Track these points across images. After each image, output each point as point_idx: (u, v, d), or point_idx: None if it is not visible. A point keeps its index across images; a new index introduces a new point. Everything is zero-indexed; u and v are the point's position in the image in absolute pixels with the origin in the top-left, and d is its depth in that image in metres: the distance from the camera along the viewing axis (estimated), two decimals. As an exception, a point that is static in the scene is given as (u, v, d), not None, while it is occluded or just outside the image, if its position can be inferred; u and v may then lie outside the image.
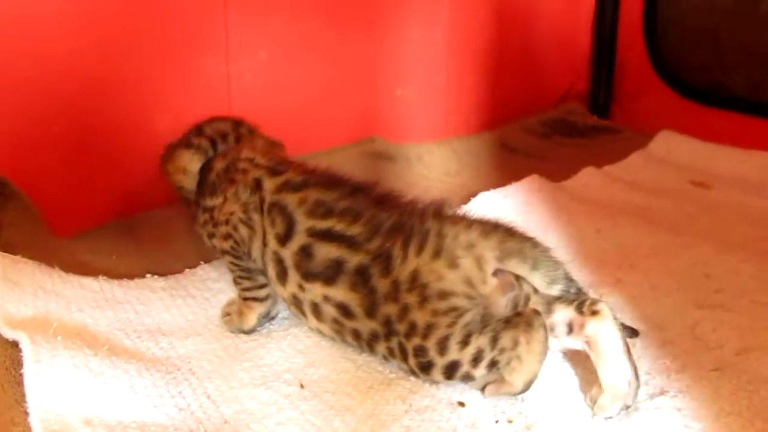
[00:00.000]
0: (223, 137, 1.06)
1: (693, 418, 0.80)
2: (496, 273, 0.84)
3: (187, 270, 1.12)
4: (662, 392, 0.85)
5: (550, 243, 1.20)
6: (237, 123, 1.08)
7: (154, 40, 1.23)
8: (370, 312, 0.86)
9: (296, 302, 0.92)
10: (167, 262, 1.15)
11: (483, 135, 1.66)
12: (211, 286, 1.08)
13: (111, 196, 1.25)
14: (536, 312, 0.81)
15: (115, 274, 1.09)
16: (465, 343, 0.80)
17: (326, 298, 0.88)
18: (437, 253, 0.84)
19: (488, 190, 1.40)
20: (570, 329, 0.83)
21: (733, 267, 1.14)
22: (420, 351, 0.82)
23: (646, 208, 1.39)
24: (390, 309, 0.84)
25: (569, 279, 0.89)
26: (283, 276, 0.91)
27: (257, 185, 0.95)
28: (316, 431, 0.77)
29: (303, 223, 0.90)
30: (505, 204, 1.35)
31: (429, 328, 0.81)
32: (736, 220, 1.36)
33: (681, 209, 1.39)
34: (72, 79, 1.17)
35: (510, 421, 0.80)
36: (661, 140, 1.73)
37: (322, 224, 0.89)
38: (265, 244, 0.93)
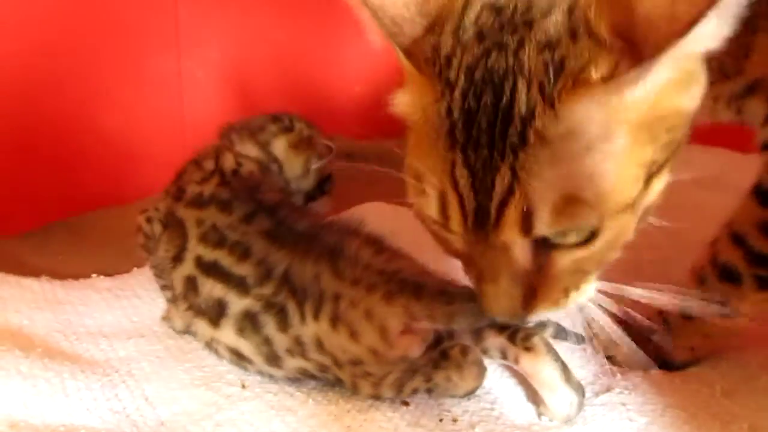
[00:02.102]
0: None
1: (637, 413, 0.80)
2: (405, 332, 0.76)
3: (135, 269, 1.10)
4: (608, 389, 0.84)
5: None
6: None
7: (100, 36, 1.21)
8: (273, 362, 0.80)
9: (195, 335, 0.87)
10: (115, 262, 1.12)
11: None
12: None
13: (58, 195, 1.23)
14: (464, 350, 0.78)
15: (60, 274, 1.06)
16: (399, 391, 0.77)
17: (215, 340, 0.83)
18: (335, 322, 0.75)
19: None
20: (504, 356, 0.80)
21: (687, 265, 1.14)
22: (355, 393, 0.79)
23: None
24: (302, 363, 0.79)
25: (494, 323, 0.78)
26: (175, 300, 0.87)
27: (179, 191, 0.90)
28: (253, 430, 0.76)
29: (194, 249, 0.82)
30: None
31: (355, 386, 0.78)
32: (700, 217, 1.36)
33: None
34: (14, 78, 1.14)
35: (455, 420, 0.79)
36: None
37: (211, 255, 0.80)
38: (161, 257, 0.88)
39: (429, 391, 0.79)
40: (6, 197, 1.16)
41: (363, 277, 0.76)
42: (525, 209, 0.57)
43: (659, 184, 0.62)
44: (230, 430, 0.76)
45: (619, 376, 0.87)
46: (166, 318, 0.94)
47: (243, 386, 0.83)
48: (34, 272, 1.05)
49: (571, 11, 0.56)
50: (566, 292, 0.66)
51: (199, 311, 0.83)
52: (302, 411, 0.79)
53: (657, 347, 0.90)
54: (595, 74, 0.55)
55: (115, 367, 0.86)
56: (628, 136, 0.57)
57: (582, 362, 0.90)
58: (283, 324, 0.77)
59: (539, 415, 0.80)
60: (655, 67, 0.54)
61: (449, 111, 0.58)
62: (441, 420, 0.78)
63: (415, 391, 0.78)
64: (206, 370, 0.86)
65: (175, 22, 1.28)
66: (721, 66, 0.71)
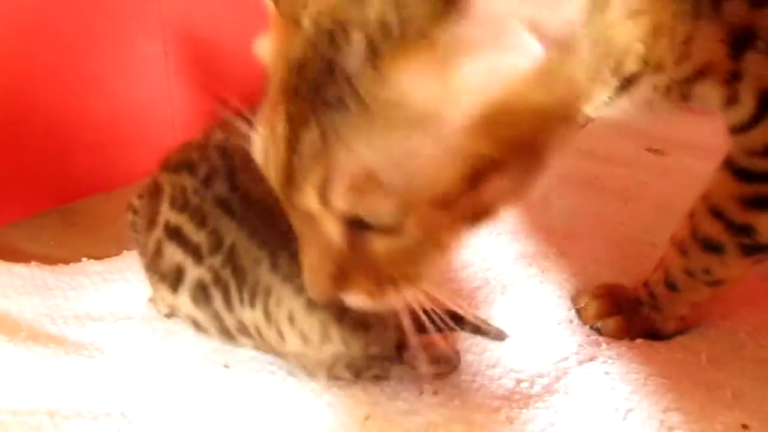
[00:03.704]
0: None
1: (621, 382, 0.80)
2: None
3: (125, 252, 1.10)
4: (592, 359, 0.84)
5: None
6: None
7: (85, 23, 1.20)
8: (227, 337, 0.79)
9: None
10: (107, 248, 1.13)
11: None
12: (149, 269, 1.07)
13: (48, 183, 1.23)
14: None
15: (51, 260, 1.07)
16: (356, 375, 0.76)
17: (174, 307, 0.83)
18: (267, 316, 0.73)
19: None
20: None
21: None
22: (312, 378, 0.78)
23: (598, 176, 1.38)
24: (252, 343, 0.79)
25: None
26: (147, 270, 0.86)
27: (167, 161, 0.89)
28: (235, 410, 0.76)
29: (165, 213, 0.80)
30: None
31: (310, 372, 0.77)
32: (688, 186, 1.34)
33: (633, 176, 1.38)
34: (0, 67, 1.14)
35: (435, 393, 0.79)
36: (620, 108, 1.70)
37: (176, 220, 0.78)
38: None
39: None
40: (-3, 186, 1.17)
41: (295, 277, 0.71)
42: (325, 177, 0.53)
43: (496, 187, 0.55)
44: (212, 409, 0.77)
45: (604, 345, 0.87)
46: (152, 300, 0.94)
47: (226, 366, 0.83)
48: (26, 259, 1.05)
49: None
50: (382, 286, 0.60)
51: (162, 276, 0.82)
52: (283, 388, 0.79)
53: (645, 319, 0.90)
54: (435, 42, 0.49)
55: (101, 348, 0.86)
56: (458, 121, 0.51)
57: (567, 334, 0.90)
58: (228, 303, 0.76)
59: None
60: (475, 29, 0.48)
61: (288, 56, 0.54)
62: (421, 393, 0.79)
63: (378, 377, 0.78)
64: (191, 351, 0.86)
65: (159, 6, 1.27)
66: (657, 55, 0.68)
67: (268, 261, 0.73)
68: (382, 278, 0.60)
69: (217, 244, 0.76)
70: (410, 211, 0.54)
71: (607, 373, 0.81)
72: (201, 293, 0.78)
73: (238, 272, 0.74)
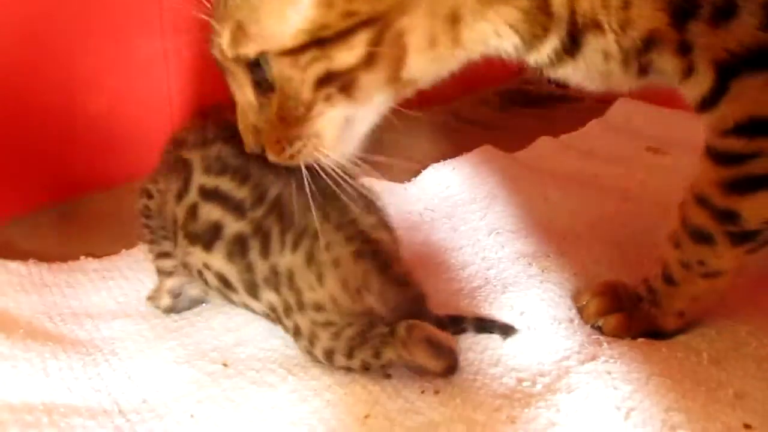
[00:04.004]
0: None
1: (622, 381, 0.79)
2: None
3: (123, 251, 1.10)
4: (593, 358, 0.83)
5: (496, 212, 1.21)
6: None
7: (85, 20, 1.20)
8: (252, 292, 0.81)
9: (187, 266, 0.87)
10: (105, 245, 1.13)
11: (436, 108, 1.63)
12: (147, 267, 1.05)
13: (47, 181, 1.22)
14: (410, 328, 0.76)
15: (49, 258, 1.06)
16: (350, 356, 0.78)
17: (206, 266, 0.84)
18: (309, 260, 0.77)
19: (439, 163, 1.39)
20: None
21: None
22: (308, 351, 0.81)
23: (598, 175, 1.38)
24: (273, 298, 0.80)
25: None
26: (175, 238, 0.87)
27: (179, 141, 0.90)
28: (234, 408, 0.76)
29: (197, 179, 0.83)
30: (453, 175, 1.33)
31: (313, 336, 0.79)
32: (687, 185, 1.34)
33: (633, 176, 1.37)
34: (-1, 65, 1.13)
35: (437, 392, 0.78)
36: (619, 108, 1.70)
37: (213, 182, 0.82)
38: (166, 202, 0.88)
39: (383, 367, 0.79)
40: (-5, 184, 1.17)
41: (345, 228, 0.77)
42: (221, 31, 0.71)
43: (342, 55, 0.69)
44: (211, 407, 0.76)
45: (605, 345, 0.87)
46: (151, 298, 0.94)
47: (225, 364, 0.83)
48: (24, 257, 1.05)
49: None
50: (281, 144, 0.74)
51: (194, 238, 0.83)
52: (283, 386, 0.79)
53: (646, 315, 0.89)
54: None
55: (99, 346, 0.86)
56: None
57: (568, 333, 0.90)
58: (265, 250, 0.79)
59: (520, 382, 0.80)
60: None
61: None
62: (423, 392, 0.78)
63: (366, 367, 0.78)
64: (190, 348, 0.86)
65: (159, 5, 1.26)
66: (586, 8, 0.73)
67: (318, 210, 0.76)
68: (280, 135, 0.74)
69: (260, 197, 0.79)
70: (270, 60, 0.70)
71: (608, 373, 0.80)
72: (238, 246, 0.80)
73: (285, 218, 0.78)
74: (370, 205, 0.83)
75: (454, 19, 0.74)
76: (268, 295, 0.81)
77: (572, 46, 0.76)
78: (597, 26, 0.74)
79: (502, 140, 1.49)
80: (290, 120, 0.73)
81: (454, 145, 1.50)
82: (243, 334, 0.89)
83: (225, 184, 0.81)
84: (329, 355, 0.79)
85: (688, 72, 0.75)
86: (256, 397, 0.77)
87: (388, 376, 0.80)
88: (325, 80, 0.71)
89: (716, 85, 0.74)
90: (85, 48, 1.22)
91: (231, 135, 0.82)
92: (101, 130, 1.25)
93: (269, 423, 0.74)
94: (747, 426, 0.73)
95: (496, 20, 0.76)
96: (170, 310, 0.92)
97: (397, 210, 1.23)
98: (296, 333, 0.81)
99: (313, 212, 0.76)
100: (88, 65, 1.22)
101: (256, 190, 0.80)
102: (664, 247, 0.87)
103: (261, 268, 0.80)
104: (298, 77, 0.70)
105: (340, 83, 0.71)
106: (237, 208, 0.80)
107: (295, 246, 0.77)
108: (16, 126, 1.17)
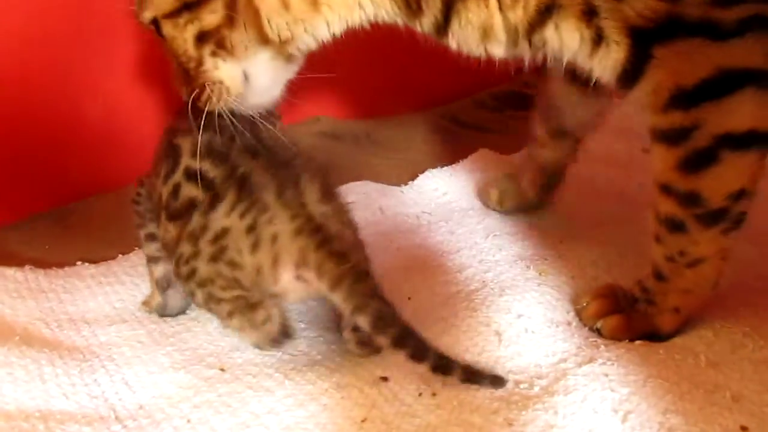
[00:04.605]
0: None
1: (619, 384, 0.79)
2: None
3: (120, 256, 1.10)
4: (591, 360, 0.83)
5: (493, 216, 1.21)
6: None
7: (79, 25, 1.19)
8: (174, 245, 0.84)
9: (167, 247, 0.89)
10: (102, 250, 1.12)
11: (433, 110, 1.63)
12: (144, 271, 1.04)
13: (43, 186, 1.22)
14: (262, 305, 0.82)
15: (46, 263, 1.06)
16: (230, 317, 0.83)
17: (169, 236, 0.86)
18: (251, 228, 0.79)
19: (437, 166, 1.39)
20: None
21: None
22: (192, 294, 0.85)
23: (594, 177, 1.37)
24: (185, 250, 0.82)
25: (379, 317, 0.76)
26: (158, 219, 0.89)
27: (172, 129, 0.91)
28: (231, 413, 0.76)
29: (184, 162, 0.85)
30: (451, 181, 1.33)
31: (209, 281, 0.82)
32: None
33: (630, 177, 1.37)
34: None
35: (434, 394, 0.78)
36: (615, 109, 1.70)
37: (196, 164, 0.84)
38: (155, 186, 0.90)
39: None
40: (-10, 189, 1.17)
41: (293, 208, 0.80)
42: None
43: (208, 17, 0.84)
44: (207, 412, 0.76)
45: (603, 347, 0.87)
46: (145, 303, 0.94)
47: (222, 369, 0.83)
48: (20, 262, 1.05)
49: None
50: (197, 91, 0.88)
51: (172, 215, 0.85)
52: (280, 391, 0.79)
53: (644, 316, 0.89)
54: None
55: (96, 352, 0.86)
56: None
57: (566, 335, 0.90)
58: (210, 209, 0.81)
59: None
60: None
61: None
62: (420, 394, 0.78)
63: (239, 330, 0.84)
64: (186, 354, 0.86)
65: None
66: None
67: (275, 189, 0.80)
68: (193, 84, 0.87)
69: (230, 174, 0.82)
70: (161, 24, 0.87)
71: (606, 375, 0.80)
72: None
73: (244, 189, 0.81)
74: (329, 193, 0.84)
75: None
76: (183, 248, 0.83)
77: (445, 24, 0.82)
78: None
79: (498, 143, 1.49)
80: (191, 72, 0.87)
81: (450, 148, 1.50)
82: (239, 339, 0.89)
83: (205, 165, 0.84)
84: (210, 304, 0.83)
85: (598, 41, 0.75)
86: (252, 401, 0.77)
87: (384, 379, 0.80)
88: (201, 38, 0.85)
89: (635, 52, 0.74)
90: (78, 53, 1.21)
91: (221, 124, 0.87)
92: (97, 135, 1.25)
93: (266, 428, 0.74)
94: (744, 428, 0.73)
95: None
96: (162, 309, 0.92)
97: (393, 213, 1.24)
98: (188, 276, 0.83)
99: (269, 189, 0.80)
100: (83, 70, 1.22)
101: (229, 168, 0.83)
102: (651, 245, 0.87)
103: (195, 222, 0.82)
104: (180, 36, 0.86)
105: (215, 40, 0.85)
106: (209, 185, 0.83)
107: (243, 213, 0.80)
108: (11, 131, 1.17)
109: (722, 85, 0.74)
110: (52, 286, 1.00)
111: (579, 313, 0.94)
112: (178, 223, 0.84)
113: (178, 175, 0.85)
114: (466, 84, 1.72)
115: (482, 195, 1.26)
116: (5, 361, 0.78)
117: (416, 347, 0.75)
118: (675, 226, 0.82)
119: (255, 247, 0.79)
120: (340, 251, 0.78)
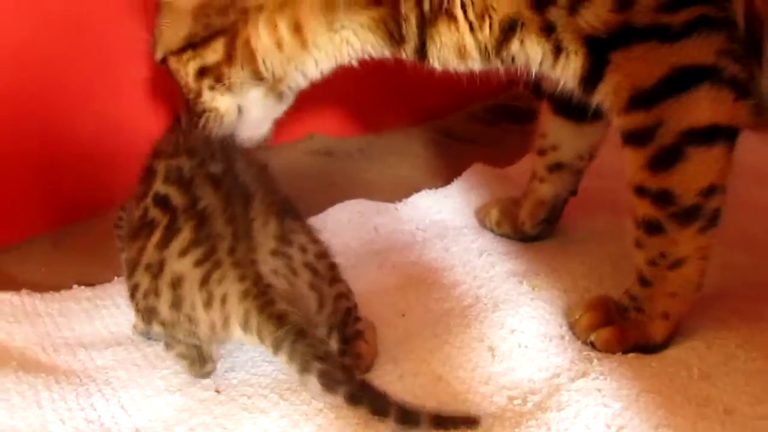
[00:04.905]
0: None
1: (612, 398, 0.80)
2: None
3: (115, 278, 1.10)
4: (584, 375, 0.84)
5: (487, 235, 1.21)
6: None
7: (73, 46, 1.21)
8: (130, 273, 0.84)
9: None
10: (98, 273, 1.13)
11: (426, 124, 1.64)
12: (139, 294, 1.06)
13: (38, 208, 1.23)
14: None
15: (42, 286, 1.07)
16: (178, 355, 0.86)
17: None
18: (203, 282, 0.78)
19: (431, 180, 1.40)
20: None
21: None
22: (148, 324, 0.86)
23: (587, 189, 1.38)
24: (142, 280, 0.82)
25: (326, 377, 0.72)
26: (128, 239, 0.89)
27: (156, 152, 0.92)
28: (226, 435, 0.76)
29: (156, 186, 0.85)
30: (446, 201, 1.33)
31: (168, 325, 0.82)
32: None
33: (623, 189, 1.38)
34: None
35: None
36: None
37: (165, 189, 0.84)
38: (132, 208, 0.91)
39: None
40: (-13, 212, 1.17)
41: (243, 267, 0.78)
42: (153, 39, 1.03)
43: (209, 54, 0.97)
44: (204, 434, 0.76)
45: (596, 361, 0.88)
46: (135, 325, 0.94)
47: (217, 391, 0.83)
48: (17, 285, 1.05)
49: None
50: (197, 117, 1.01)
51: (134, 235, 0.86)
52: (275, 412, 0.79)
53: (635, 325, 0.90)
54: None
55: (92, 376, 0.86)
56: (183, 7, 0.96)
57: (559, 350, 0.90)
58: (164, 243, 0.80)
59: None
60: None
61: None
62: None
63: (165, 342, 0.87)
64: (182, 376, 0.86)
65: (147, 29, 1.27)
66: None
67: (229, 242, 0.79)
68: (193, 112, 1.01)
69: (190, 205, 0.81)
70: (168, 60, 1.01)
71: (599, 390, 0.81)
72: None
73: (201, 229, 0.79)
74: (284, 239, 0.83)
75: (296, 28, 0.94)
76: (140, 278, 0.82)
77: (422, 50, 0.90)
78: (451, 18, 0.84)
79: (491, 155, 1.50)
80: (191, 101, 1.01)
81: (444, 162, 1.51)
82: (234, 360, 0.89)
83: (172, 192, 0.83)
84: (167, 336, 0.85)
85: (558, 52, 0.81)
86: (248, 423, 0.77)
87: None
88: (201, 73, 0.98)
89: (592, 59, 0.79)
90: (74, 75, 1.22)
91: (197, 146, 0.88)
92: (91, 157, 1.25)
93: (261, 449, 0.74)
94: (736, 441, 0.73)
95: (342, 31, 0.94)
96: (146, 333, 0.92)
97: (388, 230, 1.25)
98: (149, 312, 0.83)
99: (225, 242, 0.79)
100: (75, 92, 1.23)
101: (192, 199, 0.82)
102: (634, 252, 0.89)
103: (150, 255, 0.81)
104: (183, 70, 0.99)
105: (213, 76, 0.97)
106: (171, 212, 0.82)
107: (197, 263, 0.78)
108: (6, 152, 1.17)
109: (678, 82, 0.78)
110: (48, 310, 1.00)
111: (572, 327, 0.94)
112: (137, 243, 0.83)
113: (148, 200, 0.85)
114: (459, 97, 1.73)
115: (480, 213, 1.26)
116: (2, 388, 0.78)
117: (374, 403, 0.71)
118: (653, 228, 0.85)
119: (208, 305, 0.78)
120: (280, 313, 0.75)
